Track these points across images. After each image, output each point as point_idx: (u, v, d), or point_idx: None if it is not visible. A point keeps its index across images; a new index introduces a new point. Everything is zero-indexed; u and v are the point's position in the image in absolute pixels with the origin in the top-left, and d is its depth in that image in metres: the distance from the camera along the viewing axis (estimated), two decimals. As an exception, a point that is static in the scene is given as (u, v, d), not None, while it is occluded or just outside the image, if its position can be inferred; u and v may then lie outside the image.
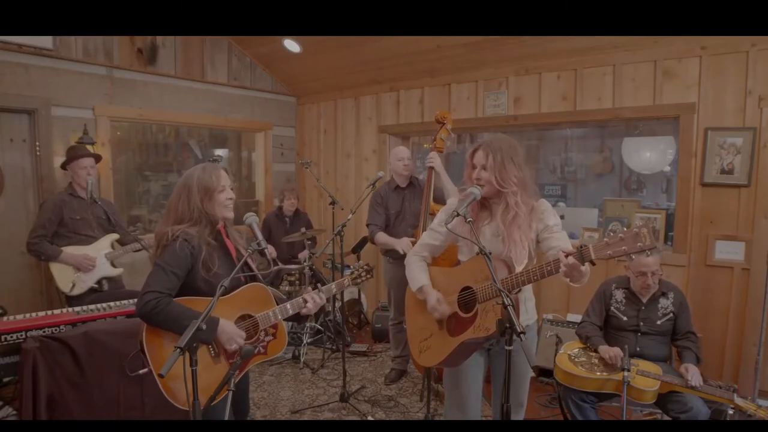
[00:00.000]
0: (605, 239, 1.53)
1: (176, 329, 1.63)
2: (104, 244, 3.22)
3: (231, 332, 1.78)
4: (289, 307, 1.96)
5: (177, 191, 1.84)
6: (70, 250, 3.08)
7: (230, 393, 1.53)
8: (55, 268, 3.06)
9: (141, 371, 1.40)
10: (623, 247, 1.49)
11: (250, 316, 1.89)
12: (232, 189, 1.89)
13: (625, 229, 1.51)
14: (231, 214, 1.89)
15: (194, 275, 1.76)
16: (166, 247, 1.75)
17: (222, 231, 1.93)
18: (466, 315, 1.92)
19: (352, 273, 2.28)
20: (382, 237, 3.40)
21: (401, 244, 3.23)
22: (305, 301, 1.98)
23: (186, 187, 1.82)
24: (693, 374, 2.37)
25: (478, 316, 1.86)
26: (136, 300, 2.74)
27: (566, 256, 1.55)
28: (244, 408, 2.10)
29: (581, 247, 1.56)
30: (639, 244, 1.46)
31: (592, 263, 1.57)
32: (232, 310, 1.84)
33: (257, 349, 1.91)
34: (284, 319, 1.97)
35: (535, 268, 1.70)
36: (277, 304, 1.96)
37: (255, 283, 1.94)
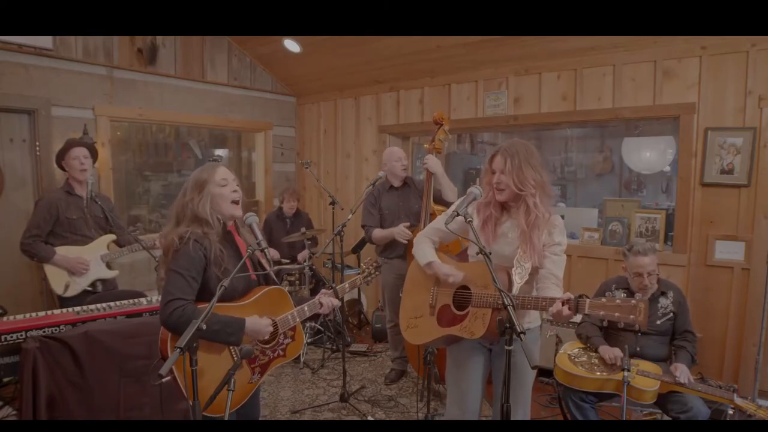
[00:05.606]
0: (603, 299, 1.60)
1: (205, 335, 1.60)
2: (100, 245, 3.15)
3: (259, 325, 1.76)
4: (307, 310, 1.96)
5: (178, 196, 1.83)
6: (64, 251, 3.01)
7: (231, 393, 1.53)
8: (49, 269, 3.00)
9: (163, 380, 1.40)
10: (616, 314, 1.56)
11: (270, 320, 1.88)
12: (238, 185, 1.85)
13: (624, 296, 1.56)
14: (238, 213, 1.83)
15: (207, 277, 1.73)
16: (178, 252, 1.70)
17: (233, 231, 1.91)
18: (458, 312, 1.96)
19: (363, 272, 2.32)
20: (378, 233, 3.42)
21: (398, 231, 3.25)
22: (321, 304, 2.00)
23: (183, 190, 1.82)
24: (681, 372, 2.38)
25: (467, 318, 1.90)
26: (135, 300, 2.79)
27: (563, 304, 1.63)
28: (255, 410, 2.09)
29: (579, 296, 1.63)
30: (632, 316, 1.53)
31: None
32: (254, 315, 1.82)
33: (277, 352, 1.91)
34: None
35: (532, 299, 1.76)
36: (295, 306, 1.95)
37: (274, 287, 1.93)
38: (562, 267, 1.89)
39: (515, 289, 1.76)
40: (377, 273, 2.36)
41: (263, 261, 1.95)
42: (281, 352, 1.93)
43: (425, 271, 2.10)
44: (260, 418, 3.09)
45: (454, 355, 2.09)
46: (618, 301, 1.56)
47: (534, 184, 1.86)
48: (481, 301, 1.85)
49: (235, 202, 1.83)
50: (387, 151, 3.58)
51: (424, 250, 2.10)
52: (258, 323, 1.77)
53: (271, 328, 1.82)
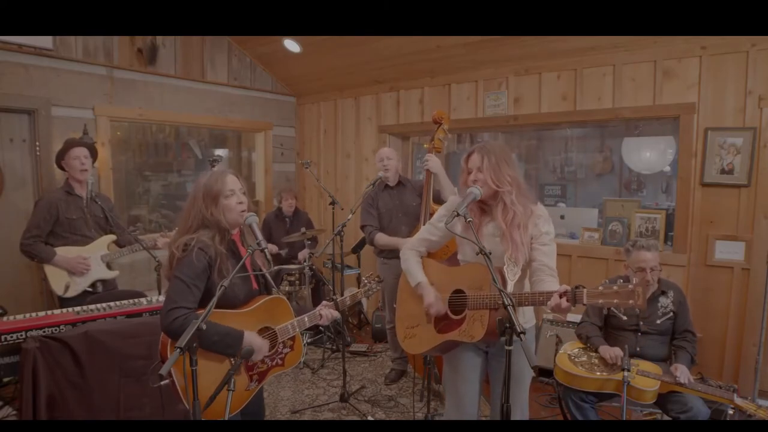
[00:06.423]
0: (601, 287, 1.59)
1: (205, 344, 1.61)
2: (101, 245, 3.15)
3: (257, 344, 1.78)
4: (307, 320, 1.98)
5: (187, 202, 1.84)
6: (64, 252, 3.00)
7: (231, 393, 1.53)
8: (49, 269, 2.99)
9: (162, 382, 1.41)
10: (615, 300, 1.55)
11: (269, 329, 1.88)
12: (244, 194, 1.86)
13: (621, 281, 1.55)
14: (242, 219, 1.84)
15: (211, 284, 1.74)
16: (182, 260, 1.71)
17: (236, 240, 1.91)
18: (455, 317, 1.95)
19: (364, 286, 2.35)
20: (383, 238, 3.40)
21: (403, 242, 3.21)
22: (320, 316, 2.03)
23: (193, 196, 1.82)
24: (681, 372, 2.38)
25: (465, 321, 1.90)
26: (135, 300, 2.79)
27: (560, 296, 1.61)
28: (259, 410, 2.10)
29: (576, 287, 1.62)
30: (631, 301, 1.52)
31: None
32: (253, 323, 1.83)
33: (275, 361, 1.92)
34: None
35: (529, 294, 1.75)
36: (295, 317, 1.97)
37: (275, 296, 1.94)
38: (553, 256, 1.90)
39: (509, 288, 1.76)
40: (378, 288, 2.39)
41: (263, 263, 1.95)
42: (279, 361, 1.94)
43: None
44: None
45: (450, 360, 2.09)
46: (615, 287, 1.55)
47: (510, 181, 1.88)
48: (478, 303, 1.85)
49: (241, 212, 1.84)
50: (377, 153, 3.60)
51: (412, 270, 2.11)
52: (256, 339, 1.78)
53: (267, 350, 1.84)
